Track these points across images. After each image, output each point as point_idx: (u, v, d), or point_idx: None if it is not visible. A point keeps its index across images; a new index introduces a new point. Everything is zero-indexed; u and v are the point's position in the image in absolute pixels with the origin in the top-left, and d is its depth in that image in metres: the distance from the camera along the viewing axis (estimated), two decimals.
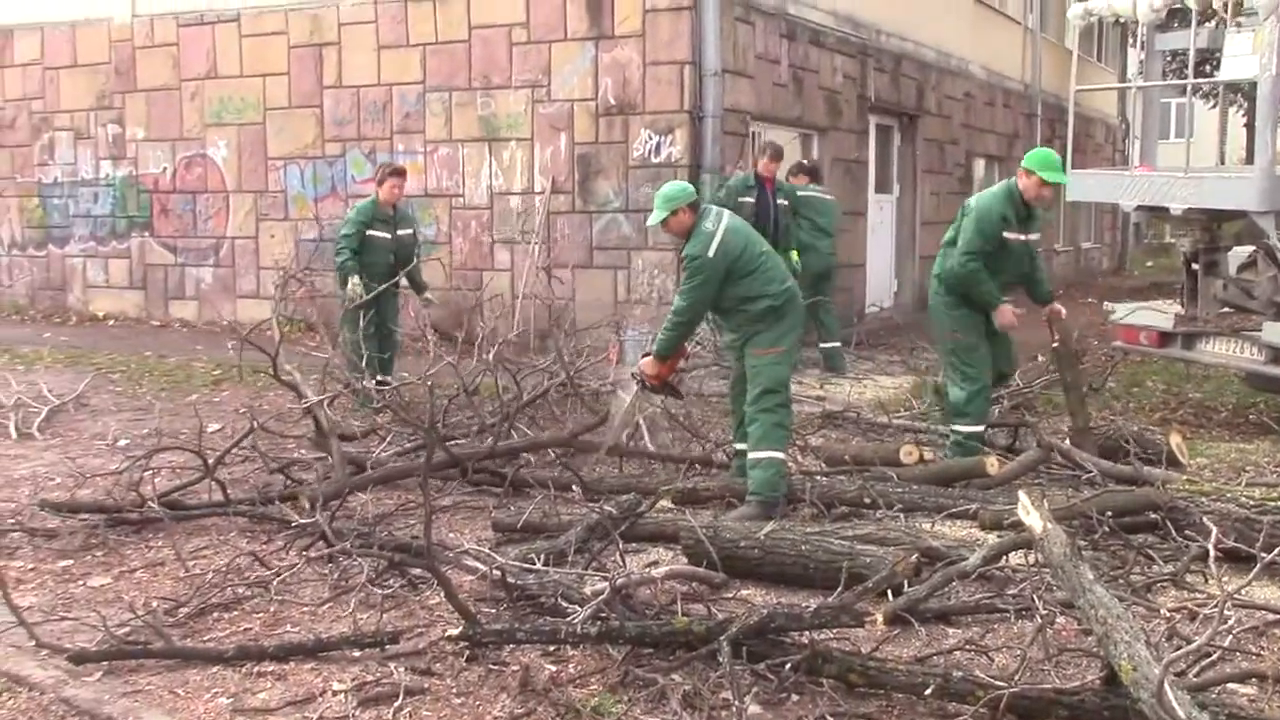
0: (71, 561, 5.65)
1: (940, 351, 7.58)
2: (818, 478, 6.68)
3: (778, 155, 11.02)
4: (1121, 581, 4.91)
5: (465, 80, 12.86)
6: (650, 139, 11.94)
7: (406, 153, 13.22)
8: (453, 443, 7.24)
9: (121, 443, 8.14)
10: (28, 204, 15.93)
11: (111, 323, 14.99)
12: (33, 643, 4.44)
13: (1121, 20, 10.15)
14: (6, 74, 15.80)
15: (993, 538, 5.49)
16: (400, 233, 9.44)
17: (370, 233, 9.23)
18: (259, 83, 14.05)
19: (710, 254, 6.15)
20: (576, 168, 12.38)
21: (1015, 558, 5.17)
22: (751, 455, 6.22)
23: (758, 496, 6.11)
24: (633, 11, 11.95)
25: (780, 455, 6.25)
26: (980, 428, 7.20)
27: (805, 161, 12.04)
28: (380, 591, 4.96)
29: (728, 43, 12.04)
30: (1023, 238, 7.04)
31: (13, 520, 6.23)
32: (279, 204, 14.15)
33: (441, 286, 12.75)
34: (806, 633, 4.22)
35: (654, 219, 6.36)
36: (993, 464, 6.72)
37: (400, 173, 9.69)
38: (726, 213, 6.43)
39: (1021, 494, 4.42)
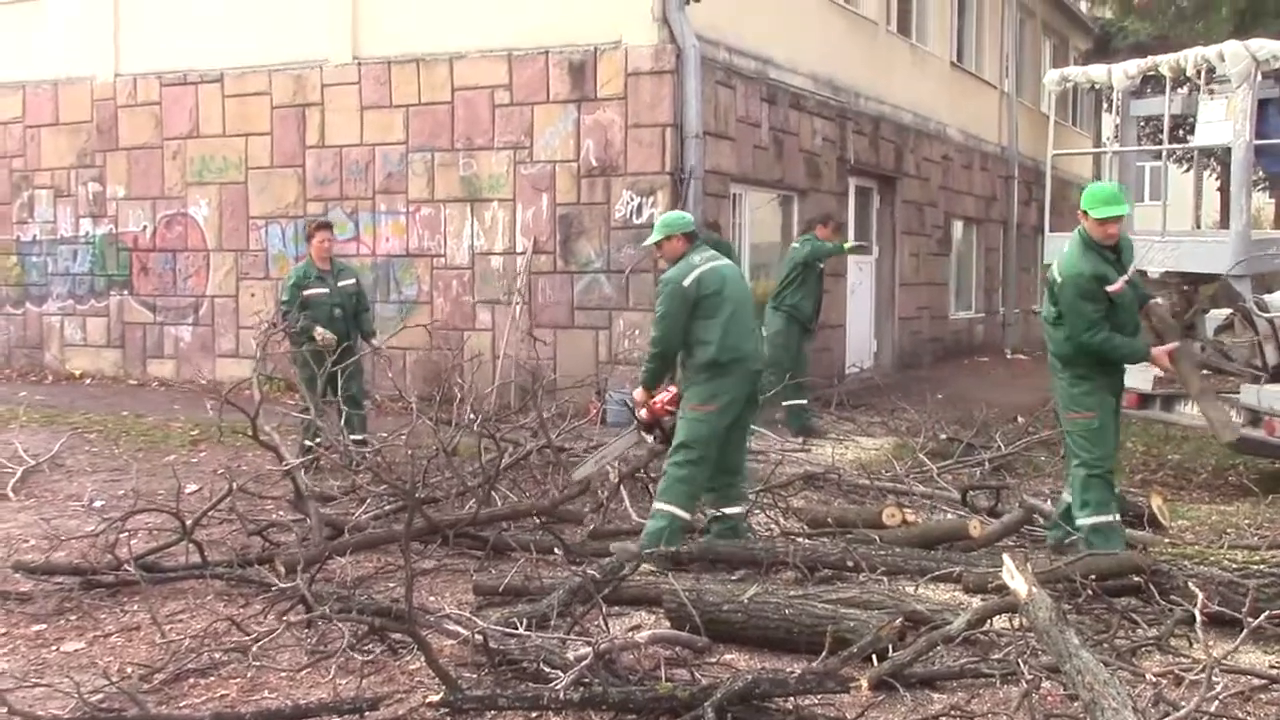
0: (45, 626, 5.56)
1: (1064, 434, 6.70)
2: (800, 540, 6.66)
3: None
4: (1106, 646, 4.89)
5: (448, 141, 12.93)
6: (632, 200, 12.02)
7: (388, 212, 13.27)
8: (432, 505, 7.20)
9: (97, 504, 8.05)
10: (5, 262, 15.87)
11: (88, 381, 14.89)
12: (4, 710, 4.35)
13: (1097, 86, 10.32)
14: None
15: (977, 601, 5.46)
16: (341, 284, 9.48)
17: (308, 292, 9.31)
18: (241, 142, 14.09)
19: (685, 283, 6.29)
20: (558, 228, 12.43)
21: (1000, 621, 5.14)
22: (654, 505, 6.31)
23: (643, 547, 6.11)
24: (615, 75, 12.08)
25: (679, 512, 6.26)
26: (1107, 517, 6.32)
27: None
28: (360, 656, 4.90)
29: (709, 106, 12.16)
30: (1124, 282, 6.28)
31: None
32: (260, 263, 14.14)
33: (422, 346, 12.77)
34: (791, 698, 4.18)
35: (650, 240, 6.74)
36: (975, 526, 6.71)
37: (327, 226, 9.82)
38: (724, 259, 6.57)
39: (1006, 557, 4.42)
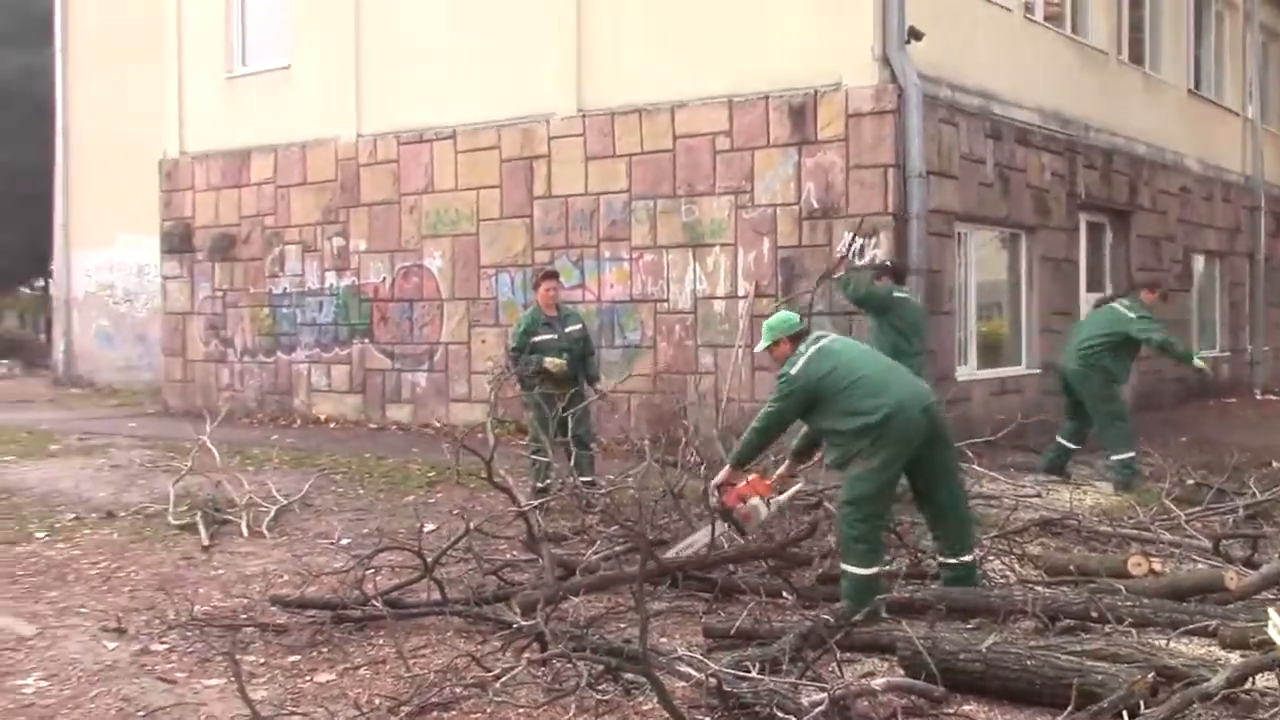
0: (299, 657, 5.85)
1: None
2: (1038, 588, 6.42)
3: None
4: None
5: (670, 188, 13.13)
6: (855, 242, 11.89)
7: (612, 259, 13.55)
8: (661, 546, 7.26)
9: (344, 541, 8.45)
10: (259, 313, 16.95)
11: (332, 425, 15.69)
12: None
13: None
14: (243, 192, 16.97)
15: (1236, 657, 5.15)
16: (568, 330, 9.78)
17: (536, 338, 9.65)
18: (473, 195, 14.67)
19: (793, 371, 6.27)
20: (780, 271, 12.44)
21: (1263, 679, 4.83)
22: (841, 565, 6.20)
23: (849, 611, 5.90)
24: (835, 117, 12.04)
25: (862, 571, 6.06)
26: None
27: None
28: (596, 695, 4.96)
29: (932, 144, 11.99)
30: None
31: (246, 616, 6.53)
32: (490, 311, 14.65)
33: (646, 390, 12.96)
34: None
35: (759, 347, 6.71)
36: (1231, 577, 6.32)
37: (553, 275, 10.21)
38: (829, 336, 6.55)
39: (1271, 611, 4.17)
